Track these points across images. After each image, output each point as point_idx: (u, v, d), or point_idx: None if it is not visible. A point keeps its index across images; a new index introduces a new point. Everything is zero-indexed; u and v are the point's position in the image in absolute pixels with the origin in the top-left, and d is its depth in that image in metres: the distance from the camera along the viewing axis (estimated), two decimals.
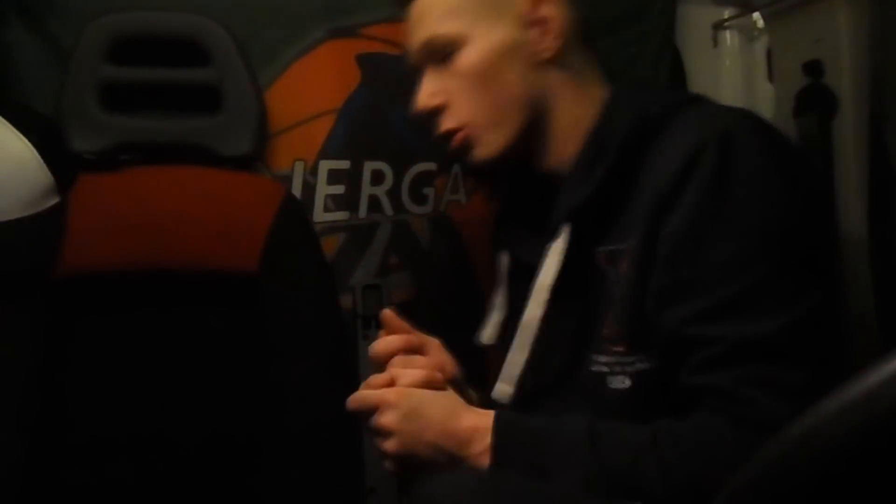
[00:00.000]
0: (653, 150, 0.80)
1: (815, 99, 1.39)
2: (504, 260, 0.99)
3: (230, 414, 1.23)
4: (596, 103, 0.88)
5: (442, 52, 0.88)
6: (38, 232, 1.18)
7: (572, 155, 0.87)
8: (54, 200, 1.19)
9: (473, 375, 1.34)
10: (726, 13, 1.58)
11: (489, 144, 0.88)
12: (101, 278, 1.22)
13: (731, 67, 1.60)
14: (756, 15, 1.55)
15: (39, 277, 1.19)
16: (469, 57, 0.87)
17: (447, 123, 0.89)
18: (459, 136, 0.89)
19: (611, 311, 0.81)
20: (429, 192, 1.54)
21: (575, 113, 0.89)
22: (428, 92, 0.90)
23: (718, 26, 1.59)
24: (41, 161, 1.16)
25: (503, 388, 0.88)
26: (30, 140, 1.16)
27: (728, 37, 1.60)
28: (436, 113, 0.90)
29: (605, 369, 0.82)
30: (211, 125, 1.31)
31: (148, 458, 1.20)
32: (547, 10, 0.87)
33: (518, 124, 0.88)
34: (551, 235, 0.85)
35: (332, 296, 1.32)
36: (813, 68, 1.38)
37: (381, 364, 0.89)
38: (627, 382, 0.80)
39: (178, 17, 1.31)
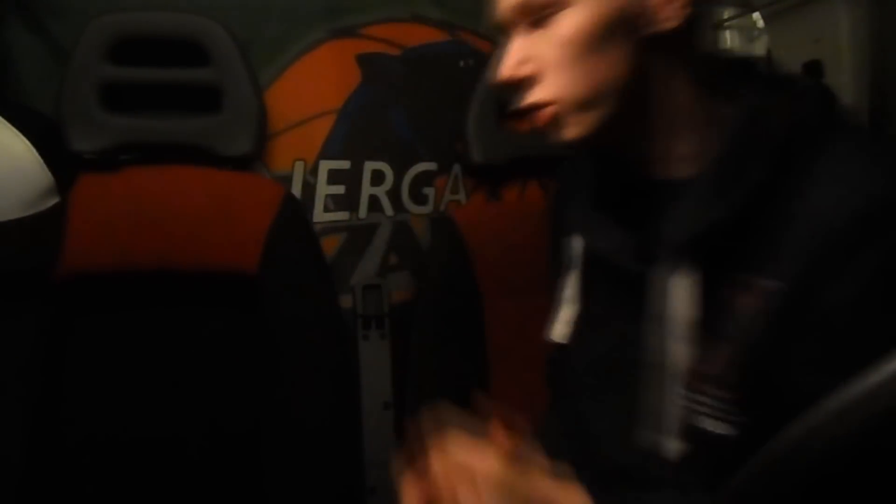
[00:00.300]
0: (812, 174, 0.68)
1: None
2: (575, 246, 0.86)
3: (230, 414, 1.23)
4: (720, 98, 0.74)
5: (540, 14, 0.73)
6: (38, 232, 1.18)
7: (688, 156, 0.74)
8: (54, 200, 1.19)
9: (474, 376, 1.34)
10: (726, 13, 1.58)
11: (580, 125, 0.74)
12: (101, 278, 1.22)
13: None
14: (756, 15, 1.55)
15: (39, 277, 1.19)
16: (573, 22, 0.72)
17: (535, 96, 0.75)
18: (548, 112, 0.74)
19: (725, 349, 0.70)
20: (429, 192, 1.54)
21: (693, 105, 0.75)
22: (517, 59, 0.75)
23: (718, 26, 1.59)
24: (41, 161, 1.16)
25: (655, 437, 0.74)
26: (30, 140, 1.16)
27: (728, 37, 1.60)
28: (522, 83, 0.75)
29: (696, 407, 0.72)
30: (211, 125, 1.31)
31: (148, 458, 1.20)
32: None
33: (617, 107, 0.74)
34: (671, 254, 0.72)
35: (332, 296, 1.32)
36: (813, 68, 1.38)
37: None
38: (726, 429, 0.70)
39: (178, 17, 1.31)
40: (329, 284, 1.32)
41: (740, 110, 0.72)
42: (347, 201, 1.50)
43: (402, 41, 1.51)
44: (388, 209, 1.53)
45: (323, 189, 1.49)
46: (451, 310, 1.35)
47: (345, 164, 1.50)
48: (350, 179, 1.50)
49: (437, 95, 1.52)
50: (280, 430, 1.21)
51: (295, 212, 1.30)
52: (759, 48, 1.58)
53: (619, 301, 0.79)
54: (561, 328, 0.87)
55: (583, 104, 0.73)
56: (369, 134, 1.50)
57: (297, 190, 1.46)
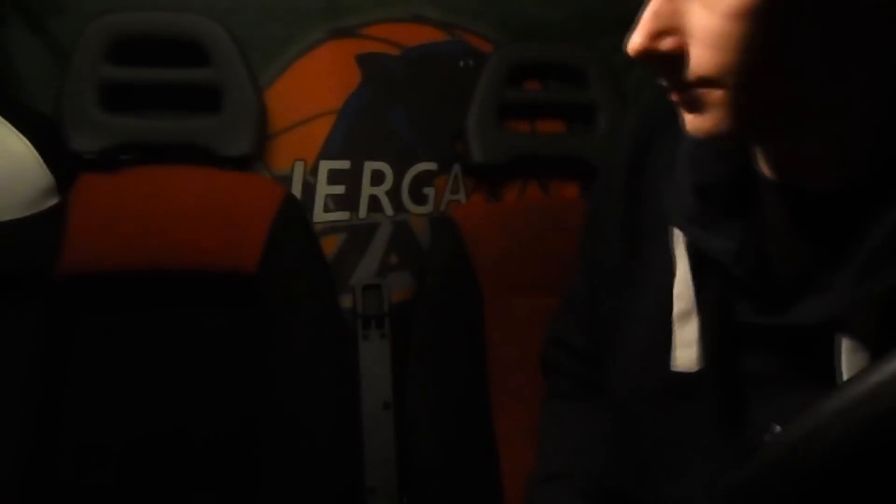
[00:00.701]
0: None
1: None
2: (683, 247, 0.68)
3: (230, 414, 1.23)
4: (885, 102, 0.58)
5: None
6: (38, 232, 1.18)
7: (827, 159, 0.60)
8: (54, 200, 1.19)
9: (474, 376, 1.34)
10: None
11: (728, 116, 0.57)
12: (101, 278, 1.22)
13: None
14: None
15: (39, 277, 1.19)
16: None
17: (680, 74, 0.57)
18: (694, 93, 0.57)
19: None
20: (429, 192, 1.54)
21: (866, 114, 0.58)
22: (655, 27, 0.56)
23: None
24: (41, 161, 1.16)
25: None
26: (30, 140, 1.16)
27: None
28: (659, 60, 0.57)
29: None
30: (211, 125, 1.31)
31: (147, 457, 1.20)
32: None
33: (782, 100, 0.56)
34: (838, 310, 0.58)
35: (332, 296, 1.32)
36: None
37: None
38: None
39: (178, 17, 1.31)
40: (329, 284, 1.32)
41: None
42: (347, 201, 1.50)
43: (402, 41, 1.51)
44: (388, 209, 1.53)
45: (323, 189, 1.49)
46: (452, 309, 1.35)
47: (345, 164, 1.50)
48: (350, 179, 1.50)
49: (437, 95, 1.52)
50: (280, 429, 1.21)
51: (295, 212, 1.30)
52: None
53: (758, 331, 0.63)
54: (687, 353, 0.67)
55: (741, 89, 0.55)
56: (369, 134, 1.50)
57: (297, 190, 1.46)
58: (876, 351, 0.55)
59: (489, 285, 1.35)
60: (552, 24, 1.55)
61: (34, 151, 1.16)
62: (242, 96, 1.31)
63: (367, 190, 1.51)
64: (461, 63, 1.54)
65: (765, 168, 0.64)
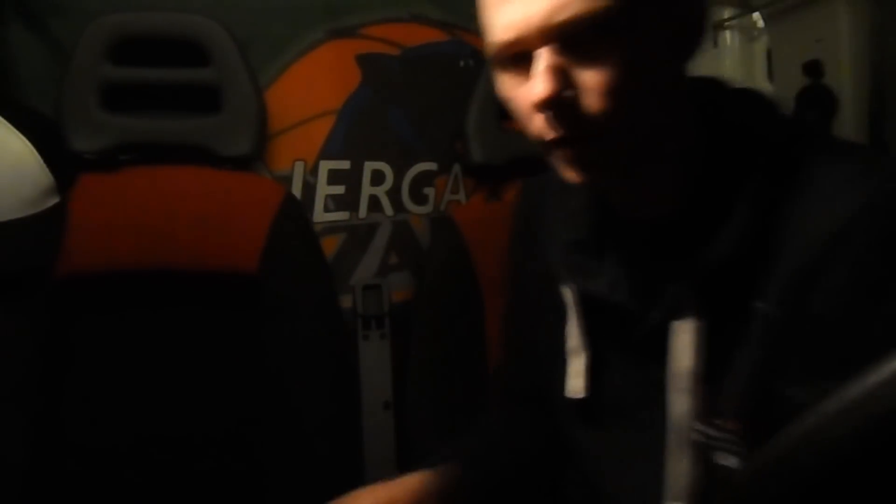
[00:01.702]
0: (793, 191, 0.66)
1: (815, 99, 1.39)
2: (570, 293, 0.80)
3: (229, 413, 1.23)
4: (689, 123, 0.70)
5: (591, 32, 0.62)
6: (38, 232, 1.18)
7: (669, 188, 0.70)
8: (54, 200, 1.19)
9: (474, 375, 1.34)
10: (726, 13, 1.58)
11: (611, 160, 0.67)
12: (101, 278, 1.22)
13: (731, 67, 1.60)
14: (756, 15, 1.55)
15: (39, 277, 1.19)
16: (632, 44, 0.63)
17: (574, 124, 0.65)
18: (584, 144, 0.66)
19: (732, 385, 0.68)
20: (429, 192, 1.54)
21: (681, 131, 0.70)
22: (554, 81, 0.62)
23: (718, 26, 1.59)
24: (41, 161, 1.16)
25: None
26: (30, 140, 1.16)
27: (728, 37, 1.60)
28: (559, 108, 0.64)
29: (703, 440, 0.70)
30: (211, 125, 1.31)
31: (148, 458, 1.20)
32: (701, 9, 0.68)
33: (650, 143, 0.68)
34: (671, 300, 0.69)
35: (332, 296, 1.32)
36: (813, 68, 1.38)
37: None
38: (734, 462, 0.67)
39: (178, 17, 1.31)
40: (329, 284, 1.32)
41: (717, 138, 0.69)
42: (347, 201, 1.50)
43: (401, 41, 1.51)
44: (388, 209, 1.53)
45: (323, 189, 1.49)
46: (452, 309, 1.35)
47: (345, 164, 1.50)
48: (350, 179, 1.50)
49: (437, 95, 1.52)
50: (280, 429, 1.21)
51: (295, 212, 1.30)
52: (758, 48, 1.58)
53: (628, 347, 0.75)
54: (576, 382, 0.79)
55: (629, 139, 0.66)
56: (369, 134, 1.50)
57: (297, 190, 1.46)
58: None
59: (489, 285, 1.35)
60: None
61: (34, 151, 1.16)
62: (242, 96, 1.30)
63: (367, 190, 1.51)
64: (461, 63, 1.54)
65: (621, 208, 0.75)
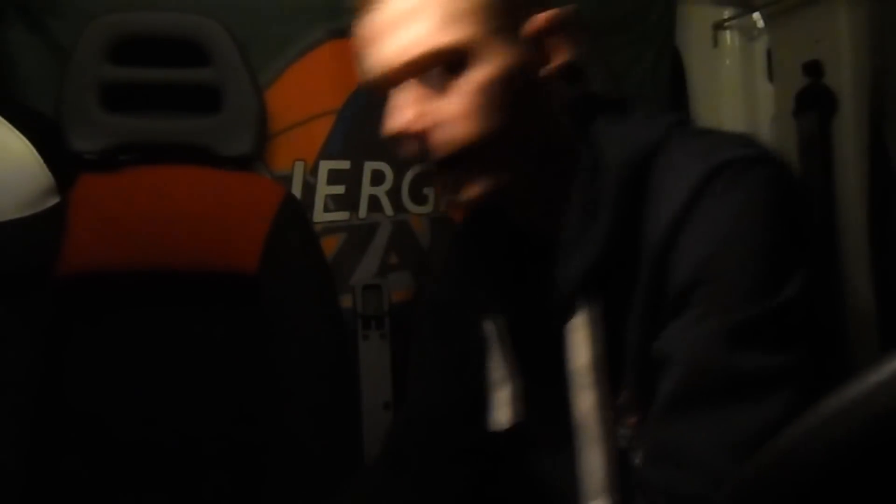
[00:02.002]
0: (652, 193, 0.71)
1: (815, 99, 1.39)
2: (495, 324, 0.84)
3: (230, 413, 1.23)
4: (570, 139, 0.75)
5: (442, 66, 0.69)
6: (38, 232, 1.18)
7: (557, 205, 0.74)
8: (54, 200, 1.19)
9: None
10: (726, 13, 1.58)
11: (485, 182, 0.72)
12: (101, 278, 1.22)
13: (731, 67, 1.60)
14: (756, 15, 1.55)
15: (39, 277, 1.19)
16: (481, 74, 0.69)
17: (431, 153, 0.71)
18: (456, 168, 0.72)
19: (624, 378, 0.72)
20: (429, 192, 1.54)
21: (558, 152, 0.75)
22: (414, 111, 0.71)
23: (718, 26, 1.59)
24: (41, 161, 1.16)
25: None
26: (30, 140, 1.16)
27: (728, 37, 1.60)
28: (419, 138, 0.71)
29: (623, 443, 0.73)
30: (211, 125, 1.31)
31: (148, 457, 1.20)
32: (557, 24, 0.73)
33: (524, 160, 0.73)
34: (564, 306, 0.74)
35: (332, 296, 1.32)
36: (813, 68, 1.38)
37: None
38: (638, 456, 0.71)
39: (178, 17, 1.31)
40: (329, 284, 1.32)
41: (586, 150, 0.73)
42: (347, 201, 1.50)
43: None
44: (388, 209, 1.53)
45: (323, 189, 1.49)
46: (450, 311, 1.35)
47: (345, 164, 1.50)
48: (350, 179, 1.50)
49: None
50: (280, 429, 1.21)
51: (295, 212, 1.30)
52: (759, 48, 1.58)
53: (543, 362, 0.78)
54: (503, 412, 0.83)
55: (496, 158, 0.71)
56: (369, 134, 1.50)
57: (297, 190, 1.46)
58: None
59: None
60: None
61: (34, 151, 1.16)
62: (242, 96, 1.30)
63: (367, 190, 1.51)
64: None
65: (524, 223, 0.79)
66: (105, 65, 1.27)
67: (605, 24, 1.57)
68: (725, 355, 0.63)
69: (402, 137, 0.72)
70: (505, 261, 0.83)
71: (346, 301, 1.44)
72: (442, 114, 0.70)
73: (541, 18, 0.72)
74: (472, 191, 0.72)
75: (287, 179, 1.46)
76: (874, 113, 1.37)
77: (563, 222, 0.73)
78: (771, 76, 1.54)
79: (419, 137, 0.71)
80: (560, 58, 0.73)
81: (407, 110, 0.71)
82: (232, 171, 1.31)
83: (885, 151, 1.38)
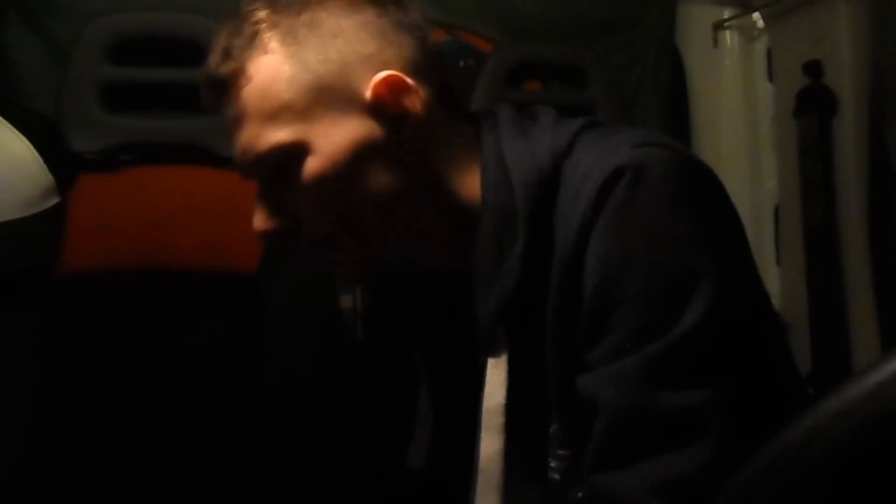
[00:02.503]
0: (559, 206, 0.67)
1: (815, 99, 1.39)
2: (420, 361, 0.82)
3: (230, 413, 1.23)
4: (473, 167, 0.70)
5: (278, 167, 0.68)
6: (38, 232, 1.18)
7: (466, 239, 0.70)
8: (54, 200, 1.19)
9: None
10: (726, 13, 1.58)
11: (366, 262, 0.70)
12: (101, 278, 1.22)
13: (731, 67, 1.60)
14: (756, 15, 1.55)
15: (39, 277, 1.19)
16: (317, 163, 0.66)
17: (308, 241, 0.70)
18: (329, 254, 0.71)
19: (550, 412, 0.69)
20: None
21: (456, 190, 0.71)
22: (268, 211, 0.71)
23: (718, 26, 1.59)
24: (41, 161, 1.16)
25: None
26: (30, 140, 1.16)
27: (728, 37, 1.60)
28: (280, 234, 0.71)
29: (556, 476, 0.70)
30: (211, 125, 1.30)
31: (148, 457, 1.20)
32: (397, 90, 0.67)
33: (394, 227, 0.69)
34: (484, 342, 0.70)
35: (332, 296, 1.32)
36: (813, 68, 1.38)
37: None
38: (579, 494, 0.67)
39: (178, 17, 1.31)
40: (329, 284, 1.32)
41: (483, 182, 0.69)
42: None
43: None
44: None
45: None
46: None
47: None
48: None
49: None
50: (279, 429, 1.21)
51: None
52: (758, 48, 1.58)
53: (462, 402, 0.74)
54: (418, 453, 0.81)
55: (358, 241, 0.69)
56: None
57: None
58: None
59: None
60: (551, 24, 1.55)
61: (34, 151, 1.16)
62: None
63: None
64: (461, 63, 1.54)
65: (431, 264, 0.75)
66: (105, 65, 1.27)
67: (605, 24, 1.56)
68: (646, 397, 0.60)
69: (264, 237, 0.71)
70: (424, 299, 0.79)
71: (346, 301, 1.44)
72: (296, 209, 0.69)
73: (378, 83, 0.66)
74: (354, 269, 0.71)
75: None
76: (874, 113, 1.37)
77: (477, 254, 0.69)
78: (771, 76, 1.54)
79: (280, 235, 0.70)
80: (415, 108, 0.67)
81: (260, 213, 0.71)
82: (232, 171, 1.31)
83: (885, 151, 1.38)
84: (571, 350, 0.65)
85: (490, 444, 0.69)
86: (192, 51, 1.30)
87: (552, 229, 0.66)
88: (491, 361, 0.69)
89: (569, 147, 0.68)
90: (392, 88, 0.67)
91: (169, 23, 1.30)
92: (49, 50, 1.34)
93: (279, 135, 0.66)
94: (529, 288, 0.66)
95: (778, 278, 1.49)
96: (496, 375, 0.69)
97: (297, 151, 0.66)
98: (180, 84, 1.32)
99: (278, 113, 0.66)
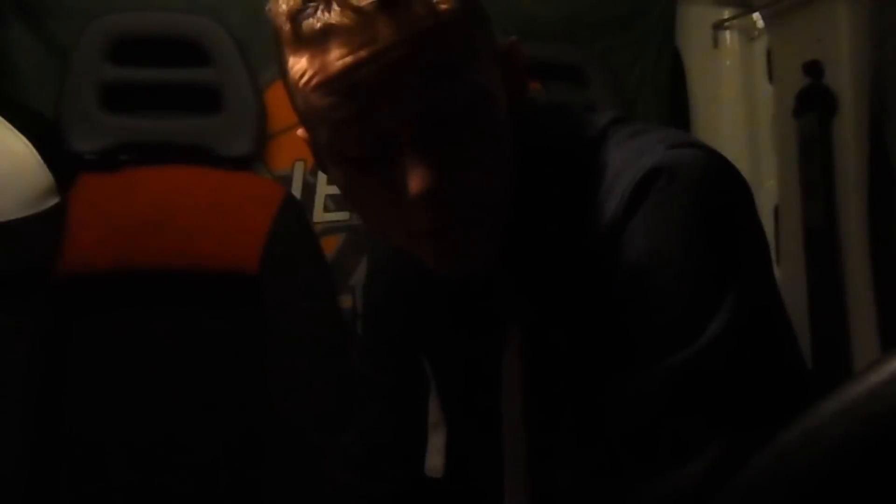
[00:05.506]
0: (591, 200, 0.63)
1: (815, 99, 1.39)
2: (429, 366, 0.78)
3: (230, 413, 1.23)
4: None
5: (459, 113, 0.57)
6: (38, 232, 1.18)
7: (496, 244, 0.65)
8: (54, 200, 1.19)
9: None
10: (726, 13, 1.58)
11: (492, 240, 0.63)
12: (101, 278, 1.22)
13: (731, 67, 1.60)
14: (756, 15, 1.55)
15: (39, 277, 1.19)
16: (494, 117, 0.59)
17: (445, 216, 0.59)
18: (458, 234, 0.61)
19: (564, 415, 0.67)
20: None
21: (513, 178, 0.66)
22: (437, 169, 0.57)
23: (718, 26, 1.59)
24: (41, 161, 1.16)
25: None
26: (30, 140, 1.16)
27: (728, 37, 1.60)
28: (443, 201, 0.58)
29: (577, 472, 0.67)
30: (211, 125, 1.31)
31: (148, 457, 1.20)
32: (518, 47, 0.65)
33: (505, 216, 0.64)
34: (497, 339, 0.68)
35: (332, 296, 1.32)
36: (813, 68, 1.38)
37: None
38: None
39: (178, 17, 1.31)
40: (329, 284, 1.32)
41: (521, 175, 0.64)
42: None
43: None
44: None
45: (323, 189, 1.48)
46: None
47: None
48: None
49: None
50: (279, 429, 1.21)
51: (295, 212, 1.30)
52: (759, 48, 1.58)
53: (478, 405, 0.72)
54: (435, 459, 0.76)
55: (496, 215, 0.62)
56: None
57: (297, 190, 1.46)
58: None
59: None
60: (549, 23, 1.55)
61: (34, 151, 1.16)
62: (242, 96, 1.30)
63: None
64: None
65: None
66: (105, 65, 1.27)
67: (605, 24, 1.56)
68: (667, 403, 0.58)
69: (418, 203, 0.57)
70: (432, 301, 0.75)
71: (346, 301, 1.44)
72: (461, 171, 0.58)
73: (510, 41, 0.63)
74: (468, 259, 0.62)
75: (287, 179, 1.46)
76: (874, 113, 1.37)
77: (507, 253, 0.65)
78: (771, 76, 1.54)
79: (435, 200, 0.57)
80: (523, 84, 0.64)
81: (427, 170, 0.57)
82: (232, 171, 1.31)
83: (885, 151, 1.38)
84: (589, 351, 0.63)
85: (515, 447, 0.68)
86: (192, 51, 1.30)
87: (577, 219, 0.63)
88: (506, 361, 0.67)
89: (600, 139, 0.65)
90: (516, 50, 0.64)
91: (169, 23, 1.30)
92: (49, 50, 1.34)
93: (476, 76, 0.58)
94: (553, 276, 0.64)
95: (778, 278, 1.49)
96: (513, 374, 0.67)
97: (485, 95, 0.59)
98: (180, 84, 1.32)
99: (468, 50, 0.58)
